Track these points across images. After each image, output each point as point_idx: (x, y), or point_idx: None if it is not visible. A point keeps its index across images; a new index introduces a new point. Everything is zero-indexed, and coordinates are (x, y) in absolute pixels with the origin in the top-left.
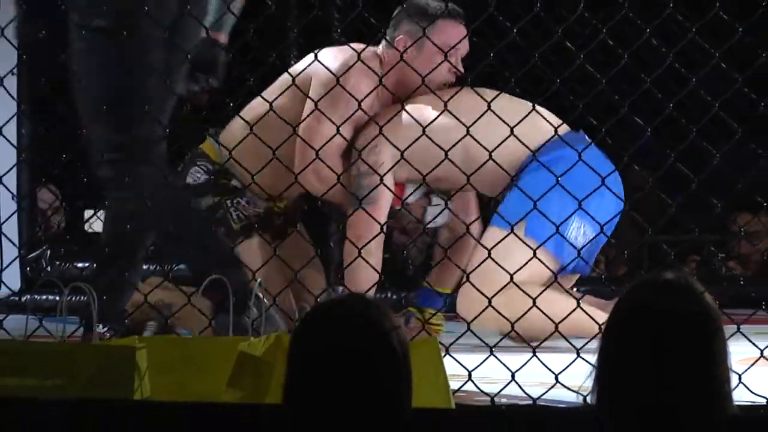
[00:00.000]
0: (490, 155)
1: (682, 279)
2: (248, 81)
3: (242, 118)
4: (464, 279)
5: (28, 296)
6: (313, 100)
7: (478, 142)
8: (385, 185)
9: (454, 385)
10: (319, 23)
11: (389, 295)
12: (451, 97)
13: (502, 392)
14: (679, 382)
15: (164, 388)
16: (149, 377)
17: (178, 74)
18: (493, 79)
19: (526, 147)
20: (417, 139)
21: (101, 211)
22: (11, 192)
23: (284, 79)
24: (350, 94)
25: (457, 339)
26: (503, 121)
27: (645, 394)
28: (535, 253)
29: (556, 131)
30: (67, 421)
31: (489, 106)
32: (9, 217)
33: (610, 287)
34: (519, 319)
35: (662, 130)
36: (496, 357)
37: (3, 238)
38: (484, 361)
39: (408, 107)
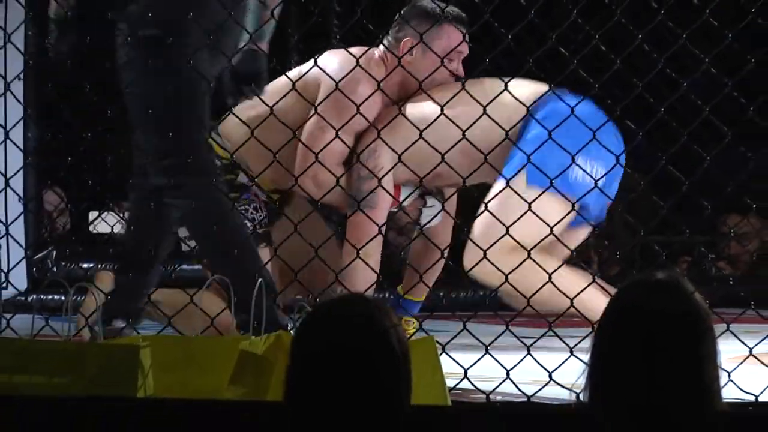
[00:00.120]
0: (486, 156)
1: (673, 279)
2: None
3: (238, 116)
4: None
5: (35, 296)
6: (315, 108)
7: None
8: (384, 189)
9: (450, 382)
10: (319, 28)
11: (386, 295)
12: (448, 101)
13: (497, 390)
14: (669, 380)
15: (167, 385)
16: (153, 375)
17: (225, 84)
18: None
19: (523, 104)
20: (415, 142)
21: (105, 213)
22: (18, 194)
23: (289, 79)
24: (353, 102)
25: (453, 338)
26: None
27: (636, 392)
28: (530, 208)
29: (551, 87)
30: (71, 418)
31: (464, 87)
32: (16, 218)
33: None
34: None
35: (654, 134)
36: (491, 355)
37: (10, 239)
38: (480, 359)
39: (407, 107)
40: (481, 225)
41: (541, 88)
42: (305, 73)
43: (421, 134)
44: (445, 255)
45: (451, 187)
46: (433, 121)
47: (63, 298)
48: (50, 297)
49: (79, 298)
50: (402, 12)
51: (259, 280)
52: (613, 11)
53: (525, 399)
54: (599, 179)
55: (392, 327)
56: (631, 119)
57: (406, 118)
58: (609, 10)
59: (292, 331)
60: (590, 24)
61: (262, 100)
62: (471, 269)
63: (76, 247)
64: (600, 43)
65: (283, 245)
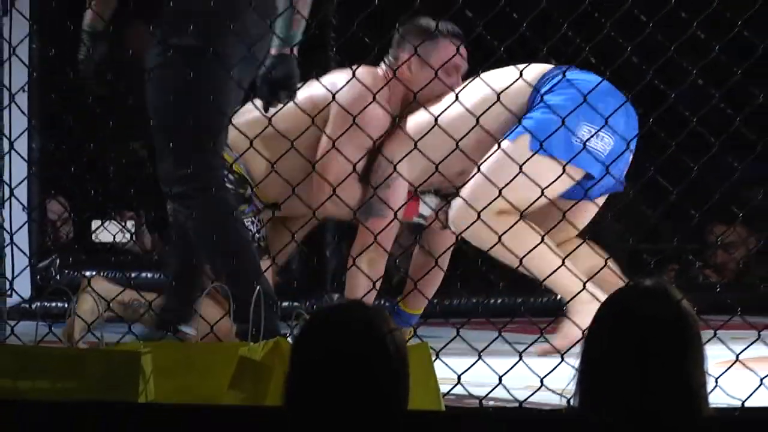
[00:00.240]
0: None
1: (661, 286)
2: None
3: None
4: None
5: (38, 303)
6: (321, 127)
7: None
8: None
9: (444, 388)
10: (317, 39)
11: (381, 302)
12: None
13: (490, 395)
14: (657, 385)
15: (168, 391)
16: (153, 381)
17: (259, 90)
18: None
19: (526, 82)
20: (412, 149)
21: (107, 222)
22: (22, 203)
23: (300, 99)
24: (355, 125)
25: (447, 344)
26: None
27: (624, 397)
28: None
29: (564, 70)
30: (74, 422)
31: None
32: (20, 227)
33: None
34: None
35: (643, 144)
36: (484, 361)
37: (14, 247)
38: (473, 365)
39: (411, 119)
40: (473, 183)
41: (546, 66)
42: (311, 93)
43: (415, 144)
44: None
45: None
46: (431, 129)
47: (66, 305)
48: (53, 304)
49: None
50: (400, 30)
51: (258, 288)
52: (603, 24)
53: (517, 404)
54: (587, 141)
55: (390, 332)
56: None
57: (405, 131)
58: (598, 23)
59: (289, 338)
60: (580, 36)
61: (266, 117)
62: (459, 227)
63: (79, 256)
64: (590, 56)
65: None
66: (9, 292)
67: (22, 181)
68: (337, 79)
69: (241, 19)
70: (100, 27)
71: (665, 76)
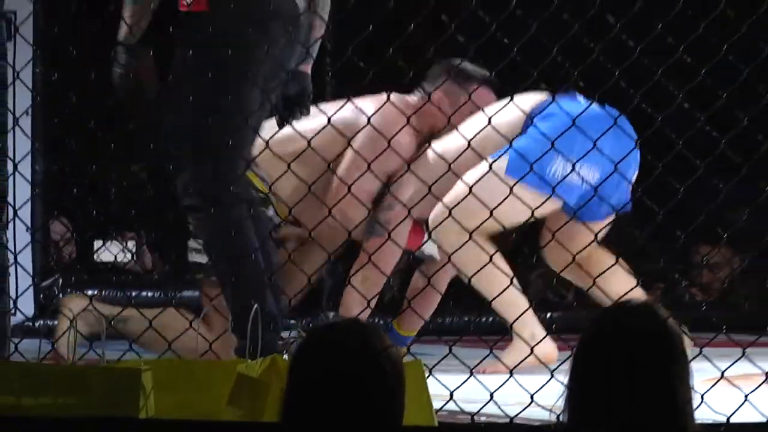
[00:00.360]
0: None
1: (648, 304)
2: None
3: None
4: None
5: (41, 321)
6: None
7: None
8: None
9: (436, 404)
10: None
11: (376, 320)
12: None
13: (482, 411)
14: (644, 402)
15: (168, 407)
16: (154, 397)
17: (276, 106)
18: None
19: (521, 110)
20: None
21: (109, 243)
22: (26, 224)
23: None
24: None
25: (439, 361)
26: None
27: (612, 413)
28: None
29: (553, 97)
30: None
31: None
32: (24, 247)
33: (582, 313)
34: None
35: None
36: (476, 378)
37: (18, 267)
38: (465, 381)
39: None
40: (453, 194)
41: (541, 96)
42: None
43: (409, 167)
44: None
45: None
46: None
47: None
48: (56, 323)
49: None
50: (436, 66)
51: (255, 306)
52: (591, 49)
53: (508, 420)
54: (560, 182)
55: (386, 349)
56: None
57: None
58: (587, 48)
59: (285, 355)
60: (569, 61)
61: (304, 137)
62: (433, 229)
63: (81, 275)
64: (578, 80)
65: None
66: (13, 311)
67: (25, 203)
68: (367, 102)
69: (269, 36)
70: (133, 40)
71: (652, 99)
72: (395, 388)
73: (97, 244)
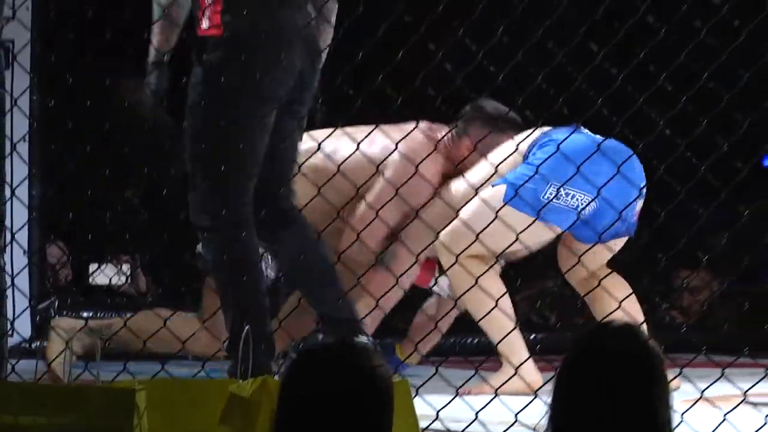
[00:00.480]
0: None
1: (629, 326)
2: None
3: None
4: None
5: (38, 343)
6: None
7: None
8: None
9: (423, 423)
10: None
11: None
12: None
13: (467, 430)
14: (625, 421)
15: (161, 426)
16: (148, 416)
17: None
18: None
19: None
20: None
21: (104, 266)
22: (23, 248)
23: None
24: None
25: (426, 381)
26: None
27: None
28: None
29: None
30: None
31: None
32: (21, 270)
33: (565, 334)
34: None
35: None
36: (461, 398)
37: (15, 289)
38: (451, 401)
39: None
40: (453, 226)
41: (536, 134)
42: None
43: (417, 212)
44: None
45: None
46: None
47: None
48: (47, 344)
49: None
50: (471, 109)
51: (246, 328)
52: (575, 77)
53: None
54: (545, 206)
55: (375, 369)
56: None
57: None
58: (570, 76)
59: (277, 376)
60: (555, 91)
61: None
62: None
63: (76, 298)
64: (564, 108)
65: None
66: (10, 332)
67: (22, 227)
68: (396, 137)
69: (289, 57)
70: (163, 57)
71: (634, 126)
72: (383, 407)
73: (93, 267)
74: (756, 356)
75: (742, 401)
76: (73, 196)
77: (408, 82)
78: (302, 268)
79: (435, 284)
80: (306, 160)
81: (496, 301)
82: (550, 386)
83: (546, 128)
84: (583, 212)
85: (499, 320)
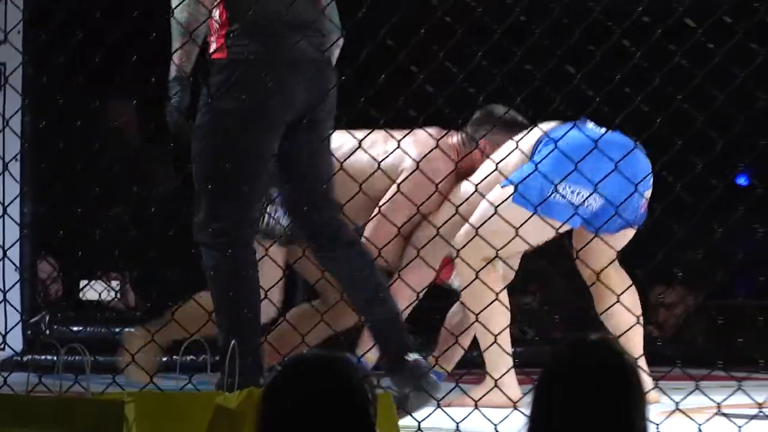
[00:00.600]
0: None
1: (606, 340)
2: None
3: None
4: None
5: (30, 356)
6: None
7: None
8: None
9: None
10: None
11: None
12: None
13: None
14: (601, 431)
15: None
16: (136, 428)
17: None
18: None
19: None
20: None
21: (94, 282)
22: (15, 264)
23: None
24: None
25: (408, 393)
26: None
27: None
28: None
29: (575, 123)
30: None
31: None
32: (12, 285)
33: (544, 347)
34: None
35: None
36: (443, 410)
37: (7, 304)
38: (432, 413)
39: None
40: (467, 228)
41: (538, 132)
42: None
43: (419, 209)
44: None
45: None
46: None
47: (55, 358)
48: (44, 357)
49: (69, 358)
50: (482, 113)
51: (233, 342)
52: (557, 105)
53: None
54: (543, 201)
55: (357, 381)
56: None
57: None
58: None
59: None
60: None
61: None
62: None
63: (67, 312)
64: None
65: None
66: (2, 346)
67: (14, 243)
68: (410, 146)
69: (291, 80)
70: (183, 73)
71: None
72: (366, 418)
73: (83, 282)
74: (729, 369)
75: (716, 413)
76: (63, 214)
77: (411, 86)
78: (356, 286)
79: (456, 280)
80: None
81: (497, 294)
82: (529, 398)
83: (547, 125)
84: (591, 207)
85: (494, 327)
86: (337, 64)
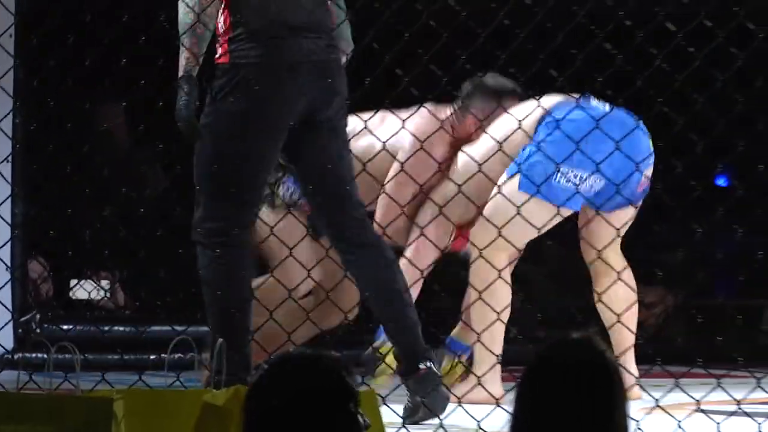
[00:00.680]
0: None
1: (588, 338)
2: None
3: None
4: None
5: (20, 354)
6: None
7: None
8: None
9: (389, 431)
10: None
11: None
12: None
13: None
14: (583, 428)
15: None
16: (125, 425)
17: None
18: None
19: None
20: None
21: (83, 281)
22: (5, 263)
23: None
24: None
25: (392, 391)
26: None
27: None
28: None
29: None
30: None
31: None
32: (4, 285)
33: (526, 346)
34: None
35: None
36: (426, 406)
37: None
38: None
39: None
40: (483, 222)
41: (558, 98)
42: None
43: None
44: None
45: None
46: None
47: (45, 356)
48: (34, 355)
49: (59, 356)
50: (468, 86)
51: (220, 341)
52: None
53: None
54: (543, 182)
55: (343, 380)
56: None
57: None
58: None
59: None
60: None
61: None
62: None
63: (57, 311)
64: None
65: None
66: None
67: (5, 243)
68: (406, 120)
69: (291, 84)
70: (191, 71)
71: None
72: (352, 416)
73: (73, 282)
74: (708, 366)
75: (695, 410)
76: (54, 215)
77: (411, 64)
78: (376, 287)
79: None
80: None
81: (497, 278)
82: (512, 395)
83: (548, 102)
84: (593, 188)
85: (491, 316)
86: None
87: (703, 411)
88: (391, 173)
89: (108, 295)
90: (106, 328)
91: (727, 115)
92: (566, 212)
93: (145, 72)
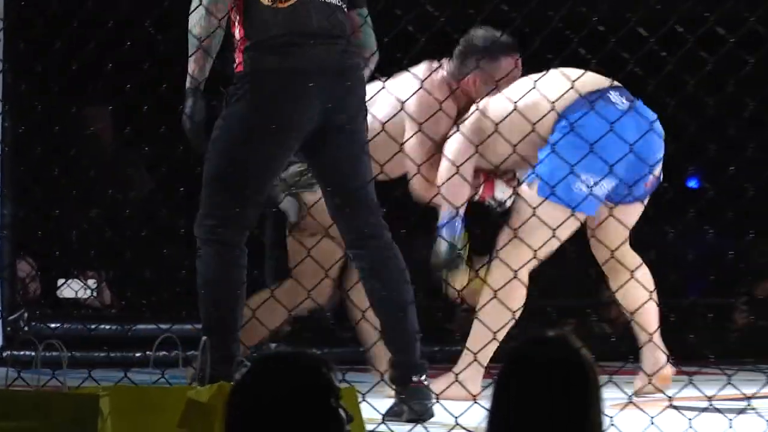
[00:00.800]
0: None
1: (563, 336)
2: None
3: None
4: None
5: (8, 352)
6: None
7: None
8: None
9: (369, 427)
10: None
11: None
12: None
13: None
14: (558, 424)
15: (124, 430)
16: (111, 421)
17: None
18: None
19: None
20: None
21: (70, 280)
22: None
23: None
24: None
25: (372, 387)
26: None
27: None
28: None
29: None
30: None
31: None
32: None
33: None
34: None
35: None
36: (405, 402)
37: None
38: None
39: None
40: (509, 235)
41: (587, 84)
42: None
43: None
44: None
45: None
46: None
47: (33, 353)
48: (22, 353)
49: (46, 354)
50: (462, 45)
51: (204, 338)
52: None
53: None
54: (558, 183)
55: (325, 377)
56: None
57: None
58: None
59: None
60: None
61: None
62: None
63: (45, 310)
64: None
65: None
66: None
67: None
68: (403, 87)
69: (303, 91)
70: (198, 85)
71: None
72: (334, 413)
73: (60, 281)
74: (680, 364)
75: (668, 406)
76: (41, 216)
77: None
78: (385, 291)
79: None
80: None
81: (503, 279)
82: (489, 392)
83: (562, 103)
84: (606, 190)
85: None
86: None
87: (675, 407)
88: (408, 133)
89: (95, 294)
90: (93, 326)
91: (698, 119)
92: (583, 217)
93: (130, 76)
